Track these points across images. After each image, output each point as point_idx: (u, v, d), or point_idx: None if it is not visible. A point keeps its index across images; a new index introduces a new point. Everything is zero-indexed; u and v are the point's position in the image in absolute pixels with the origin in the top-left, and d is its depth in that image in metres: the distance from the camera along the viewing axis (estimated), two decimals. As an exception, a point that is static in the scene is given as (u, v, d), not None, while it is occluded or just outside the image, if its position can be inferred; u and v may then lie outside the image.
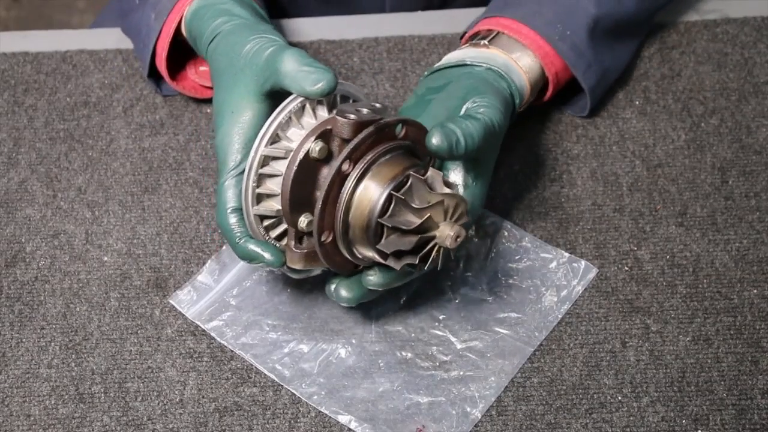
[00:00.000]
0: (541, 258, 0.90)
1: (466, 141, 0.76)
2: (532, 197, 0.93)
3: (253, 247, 0.77)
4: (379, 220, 0.74)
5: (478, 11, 1.03)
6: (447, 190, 0.74)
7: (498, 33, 0.91)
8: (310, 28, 1.04)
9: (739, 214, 0.92)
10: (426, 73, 0.90)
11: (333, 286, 0.79)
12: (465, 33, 0.95)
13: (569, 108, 0.98)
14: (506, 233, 0.91)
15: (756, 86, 1.00)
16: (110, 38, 1.02)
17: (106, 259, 0.90)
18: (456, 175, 0.81)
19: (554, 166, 0.95)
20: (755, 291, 0.88)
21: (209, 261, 0.89)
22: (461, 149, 0.76)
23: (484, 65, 0.87)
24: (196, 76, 0.96)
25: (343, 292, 0.79)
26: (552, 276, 0.89)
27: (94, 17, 1.22)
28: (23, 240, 0.91)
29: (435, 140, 0.75)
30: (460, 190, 0.81)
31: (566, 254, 0.90)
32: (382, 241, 0.74)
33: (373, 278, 0.78)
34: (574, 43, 0.91)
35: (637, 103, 0.99)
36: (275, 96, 0.79)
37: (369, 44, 1.02)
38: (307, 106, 0.77)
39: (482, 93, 0.83)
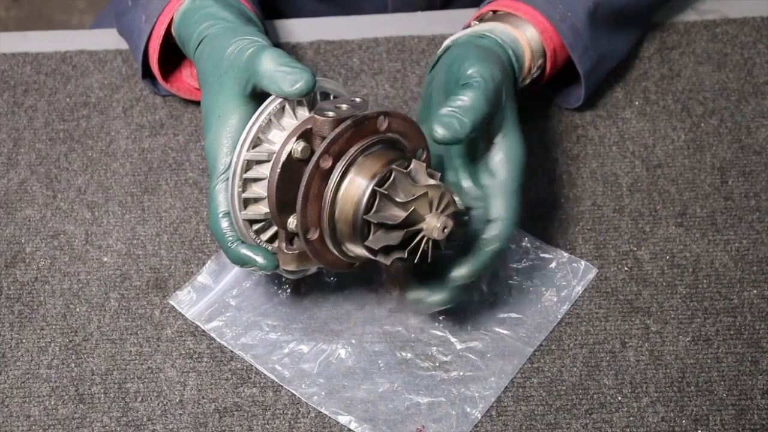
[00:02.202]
0: (540, 258, 0.90)
1: (469, 117, 0.76)
2: (532, 197, 0.93)
3: (245, 251, 0.77)
4: (364, 217, 0.73)
5: (478, 11, 1.03)
6: (431, 182, 0.74)
7: (497, 12, 0.90)
8: (309, 28, 1.04)
9: (738, 215, 0.92)
10: (427, 72, 0.90)
11: (414, 296, 0.79)
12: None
13: (564, 100, 0.97)
14: (506, 233, 0.91)
15: (756, 86, 1.00)
16: (110, 39, 1.02)
17: (105, 259, 0.90)
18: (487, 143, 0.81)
19: (554, 166, 0.95)
20: (755, 291, 0.88)
21: (209, 261, 0.89)
22: (467, 128, 0.76)
23: (469, 34, 0.87)
24: (190, 78, 0.96)
25: (433, 297, 0.79)
26: (552, 276, 0.89)
27: (94, 17, 1.22)
28: (23, 240, 0.91)
29: (438, 134, 0.75)
30: (451, 184, 0.81)
31: (566, 254, 0.90)
32: (370, 237, 0.74)
33: (458, 273, 0.78)
34: (573, 24, 0.91)
35: (637, 103, 0.99)
36: (261, 97, 0.78)
37: (369, 45, 1.02)
38: (287, 106, 0.76)
39: (465, 57, 0.82)
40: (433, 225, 0.73)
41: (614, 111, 0.99)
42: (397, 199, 0.73)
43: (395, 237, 0.73)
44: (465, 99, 0.77)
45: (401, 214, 0.73)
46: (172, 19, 0.90)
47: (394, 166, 0.73)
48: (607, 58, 0.95)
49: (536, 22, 0.89)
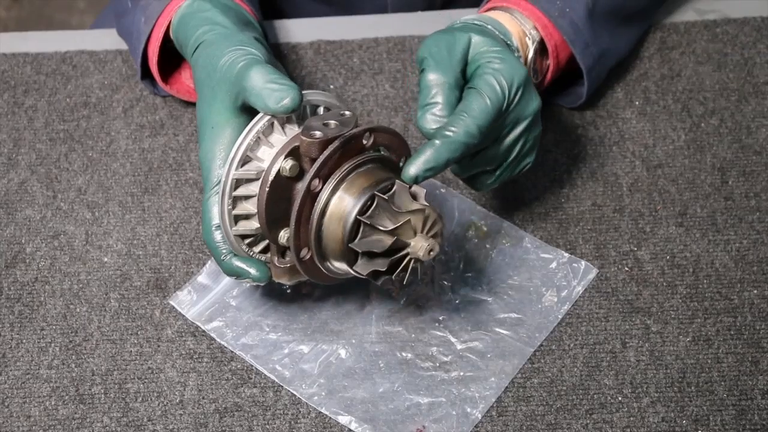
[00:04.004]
0: (541, 258, 0.90)
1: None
2: (532, 198, 0.93)
3: (238, 263, 0.78)
4: (349, 245, 0.74)
5: (478, 12, 1.03)
6: (415, 206, 0.74)
7: (494, 9, 0.90)
8: (310, 28, 1.04)
9: (739, 215, 0.92)
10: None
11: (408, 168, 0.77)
12: None
13: (565, 100, 0.97)
14: (506, 234, 0.91)
15: (756, 86, 1.00)
16: (110, 39, 1.02)
17: (106, 259, 0.90)
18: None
19: (554, 166, 0.95)
20: (755, 291, 0.88)
21: (209, 262, 0.89)
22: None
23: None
24: (189, 80, 0.96)
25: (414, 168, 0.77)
26: (552, 276, 0.89)
27: (94, 17, 1.22)
28: (23, 241, 0.91)
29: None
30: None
31: (566, 255, 0.90)
32: (358, 262, 0.74)
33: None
34: (573, 20, 0.91)
35: (637, 103, 0.99)
36: (253, 110, 0.78)
37: (369, 45, 1.02)
38: (276, 122, 0.76)
39: (488, 47, 0.81)
40: (420, 246, 0.73)
41: (614, 111, 0.99)
42: (380, 228, 0.73)
43: (381, 263, 0.73)
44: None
45: (387, 241, 0.73)
46: (170, 21, 0.90)
47: (376, 192, 0.73)
48: (608, 54, 0.95)
49: (535, 18, 0.89)
